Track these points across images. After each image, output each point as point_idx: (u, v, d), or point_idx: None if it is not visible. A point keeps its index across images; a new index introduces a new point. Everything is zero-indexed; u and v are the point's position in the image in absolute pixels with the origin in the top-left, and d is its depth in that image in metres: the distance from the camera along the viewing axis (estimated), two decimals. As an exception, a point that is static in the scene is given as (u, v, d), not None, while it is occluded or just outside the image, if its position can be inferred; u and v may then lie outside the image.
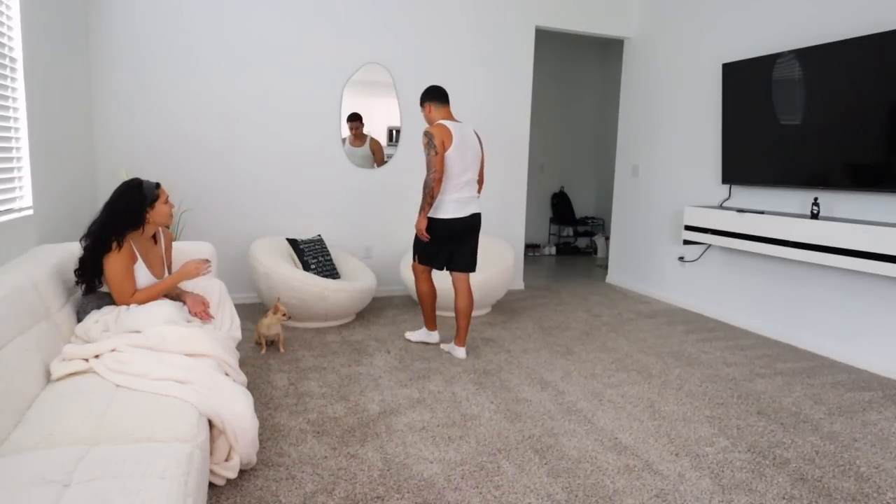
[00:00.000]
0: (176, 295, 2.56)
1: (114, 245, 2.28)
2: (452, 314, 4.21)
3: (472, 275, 3.55)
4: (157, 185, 2.49)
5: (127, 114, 4.02)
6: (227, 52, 4.20)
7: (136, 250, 2.38)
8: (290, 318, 3.40)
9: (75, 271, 2.33)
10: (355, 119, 4.58)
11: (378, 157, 4.70)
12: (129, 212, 2.37)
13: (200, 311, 2.50)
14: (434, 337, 3.60)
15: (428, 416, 2.60)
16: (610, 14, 5.18)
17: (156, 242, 2.54)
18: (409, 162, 4.80)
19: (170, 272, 2.62)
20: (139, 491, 1.31)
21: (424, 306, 3.51)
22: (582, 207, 7.81)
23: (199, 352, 2.12)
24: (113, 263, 2.28)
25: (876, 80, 3.19)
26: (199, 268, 2.49)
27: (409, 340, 3.65)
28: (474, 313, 4.23)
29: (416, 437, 2.40)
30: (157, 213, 2.45)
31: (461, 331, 3.35)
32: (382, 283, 4.77)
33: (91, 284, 2.34)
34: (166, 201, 2.49)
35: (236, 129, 4.30)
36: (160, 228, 2.58)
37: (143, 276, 2.40)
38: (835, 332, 3.58)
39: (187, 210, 4.17)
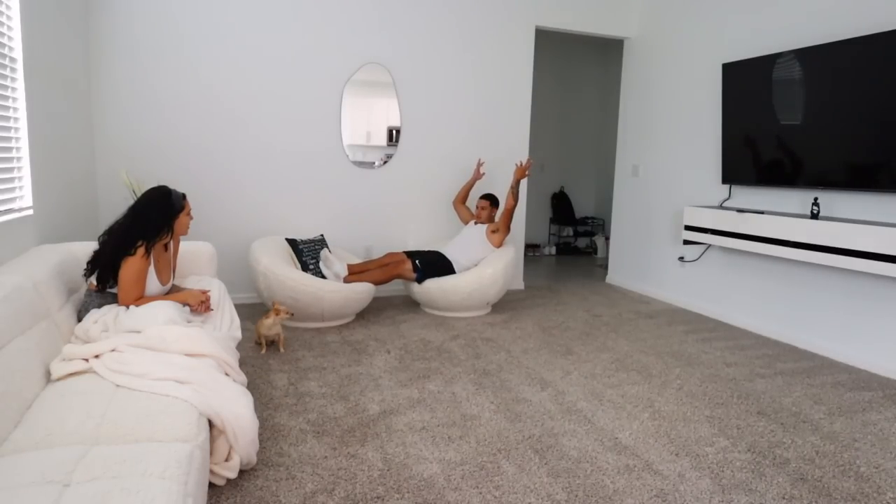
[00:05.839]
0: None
1: (141, 250, 2.29)
2: (452, 314, 4.24)
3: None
4: (184, 196, 2.52)
5: (127, 114, 4.02)
6: (227, 52, 4.20)
7: (151, 256, 2.40)
8: (292, 315, 3.39)
9: (87, 265, 2.34)
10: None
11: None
12: (160, 220, 2.40)
13: (200, 306, 2.51)
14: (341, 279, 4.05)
15: (428, 416, 2.60)
16: (610, 14, 5.18)
17: (166, 249, 2.55)
18: (409, 162, 4.80)
19: (174, 276, 2.63)
20: (139, 491, 1.31)
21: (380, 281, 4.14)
22: (582, 207, 7.81)
23: (199, 352, 2.12)
24: (130, 267, 2.30)
25: (876, 80, 3.19)
26: (202, 304, 2.52)
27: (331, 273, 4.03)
28: (474, 313, 4.31)
29: (416, 437, 2.40)
30: (179, 224, 2.50)
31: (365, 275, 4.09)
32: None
33: (105, 283, 2.34)
34: (188, 213, 2.52)
35: (236, 128, 4.30)
36: None
37: (152, 281, 2.42)
38: (835, 332, 3.58)
39: (187, 210, 4.17)
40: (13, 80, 2.56)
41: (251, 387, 2.80)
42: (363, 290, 3.91)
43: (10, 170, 2.53)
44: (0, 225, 2.33)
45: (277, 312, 3.29)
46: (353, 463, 2.18)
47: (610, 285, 5.60)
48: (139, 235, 2.32)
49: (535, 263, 6.76)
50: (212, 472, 1.89)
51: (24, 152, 2.64)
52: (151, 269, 2.40)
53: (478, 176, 4.68)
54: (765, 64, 3.83)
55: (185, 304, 2.46)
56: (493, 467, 2.18)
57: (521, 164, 4.35)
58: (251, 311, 4.15)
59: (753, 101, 3.95)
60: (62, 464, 1.41)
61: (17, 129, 2.59)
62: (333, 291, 3.74)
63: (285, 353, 3.35)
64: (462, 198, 4.71)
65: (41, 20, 2.90)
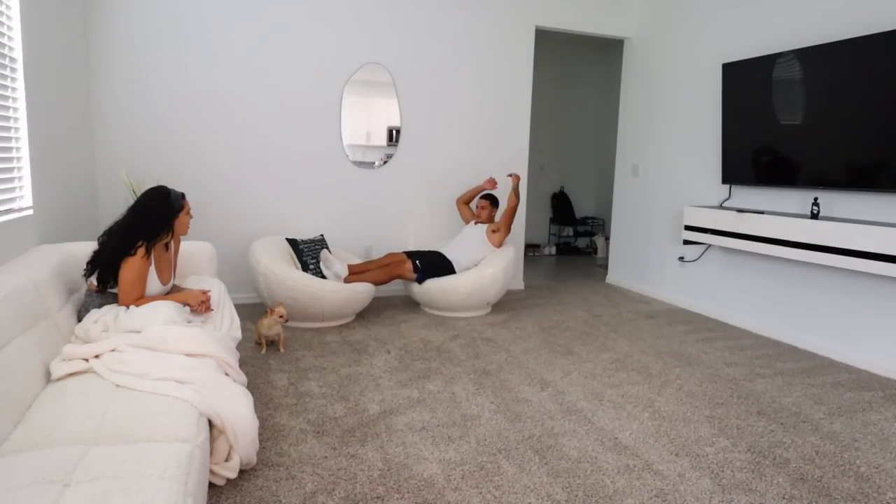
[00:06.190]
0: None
1: (141, 251, 2.29)
2: (452, 314, 4.24)
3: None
4: (183, 196, 2.52)
5: (127, 114, 4.02)
6: (227, 53, 4.20)
7: (152, 256, 2.40)
8: (287, 320, 3.39)
9: (87, 265, 2.34)
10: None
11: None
12: (160, 221, 2.41)
13: (200, 306, 2.50)
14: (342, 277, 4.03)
15: (428, 416, 2.60)
16: (610, 14, 5.18)
17: (167, 249, 2.55)
18: (409, 162, 4.80)
19: (174, 275, 2.63)
20: (139, 491, 1.31)
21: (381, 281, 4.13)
22: (582, 207, 7.82)
23: (199, 352, 2.12)
24: (131, 267, 2.30)
25: (876, 80, 3.19)
26: (203, 304, 2.51)
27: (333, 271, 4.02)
28: (474, 313, 4.32)
29: (416, 437, 2.40)
30: (179, 223, 2.50)
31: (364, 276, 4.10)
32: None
33: (106, 284, 2.34)
34: (188, 212, 2.53)
35: (237, 128, 4.30)
36: None
37: (153, 281, 2.42)
38: (835, 332, 3.58)
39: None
40: (13, 80, 2.56)
41: (251, 387, 2.80)
42: (363, 291, 3.91)
43: (10, 170, 2.53)
44: (0, 225, 2.33)
45: (272, 312, 3.29)
46: (353, 463, 2.18)
47: (610, 285, 5.60)
48: (139, 236, 2.32)
49: (535, 263, 6.76)
50: (212, 472, 1.89)
51: (24, 152, 2.64)
52: (152, 269, 2.40)
53: (490, 186, 4.61)
54: (765, 64, 3.83)
55: (185, 304, 2.46)
56: (493, 467, 2.18)
57: (514, 174, 4.44)
58: (251, 311, 4.15)
59: (753, 100, 3.95)
60: (62, 464, 1.41)
61: (17, 129, 2.59)
62: (333, 291, 3.74)
63: (285, 353, 3.35)
64: (467, 199, 4.71)
65: (41, 20, 2.90)
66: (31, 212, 2.67)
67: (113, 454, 1.47)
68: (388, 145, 4.74)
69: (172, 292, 2.57)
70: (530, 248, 7.22)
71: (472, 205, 4.78)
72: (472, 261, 4.30)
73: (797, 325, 3.82)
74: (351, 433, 2.41)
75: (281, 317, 3.29)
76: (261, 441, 2.28)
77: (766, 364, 3.41)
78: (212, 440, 1.89)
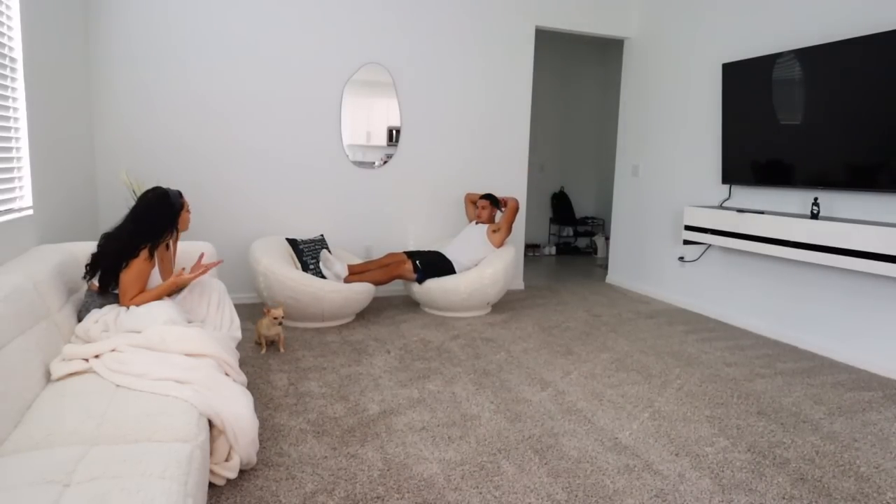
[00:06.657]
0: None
1: (144, 253, 2.31)
2: (452, 314, 4.24)
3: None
4: (181, 194, 2.53)
5: (127, 114, 4.02)
6: (227, 53, 4.20)
7: (155, 257, 2.41)
8: (281, 323, 3.33)
9: (86, 268, 2.35)
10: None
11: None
12: (163, 222, 2.42)
13: (201, 269, 2.51)
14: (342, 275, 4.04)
15: (428, 416, 2.60)
16: (610, 14, 5.18)
17: (167, 248, 2.56)
18: (409, 162, 4.80)
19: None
20: (139, 491, 1.31)
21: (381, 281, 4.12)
22: (582, 207, 7.81)
23: (199, 352, 2.12)
24: (133, 268, 2.31)
25: (876, 80, 3.19)
26: (198, 270, 2.51)
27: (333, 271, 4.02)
28: (474, 313, 4.32)
29: (416, 437, 2.40)
30: (180, 221, 2.51)
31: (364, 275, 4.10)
32: (382, 283, 4.77)
33: (107, 286, 2.34)
34: (187, 210, 2.54)
35: (237, 128, 4.30)
36: None
37: (155, 281, 2.44)
38: (835, 332, 3.58)
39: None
40: (13, 80, 2.56)
41: (251, 387, 2.80)
42: (363, 291, 3.91)
43: (10, 170, 2.53)
44: (0, 225, 2.33)
45: (268, 312, 3.27)
46: (353, 463, 2.18)
47: (610, 285, 5.59)
48: (143, 239, 2.33)
49: (535, 263, 6.76)
50: (212, 472, 1.89)
51: (24, 152, 2.64)
52: (156, 269, 2.42)
53: (502, 202, 4.63)
54: (765, 64, 3.83)
55: (182, 286, 2.47)
56: (493, 467, 2.18)
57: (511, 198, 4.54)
58: (251, 311, 4.15)
59: (753, 100, 3.95)
60: (62, 464, 1.41)
61: (17, 130, 2.59)
62: (333, 291, 3.75)
63: (285, 353, 3.35)
64: (476, 199, 4.68)
65: (41, 20, 2.90)
66: (31, 212, 2.67)
67: (113, 454, 1.47)
68: (388, 145, 4.74)
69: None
70: (530, 248, 7.22)
71: None
72: (472, 261, 4.30)
73: (797, 325, 3.82)
74: (351, 433, 2.41)
75: (276, 318, 3.27)
76: (261, 441, 2.28)
77: (766, 364, 3.41)
78: (212, 440, 1.89)
